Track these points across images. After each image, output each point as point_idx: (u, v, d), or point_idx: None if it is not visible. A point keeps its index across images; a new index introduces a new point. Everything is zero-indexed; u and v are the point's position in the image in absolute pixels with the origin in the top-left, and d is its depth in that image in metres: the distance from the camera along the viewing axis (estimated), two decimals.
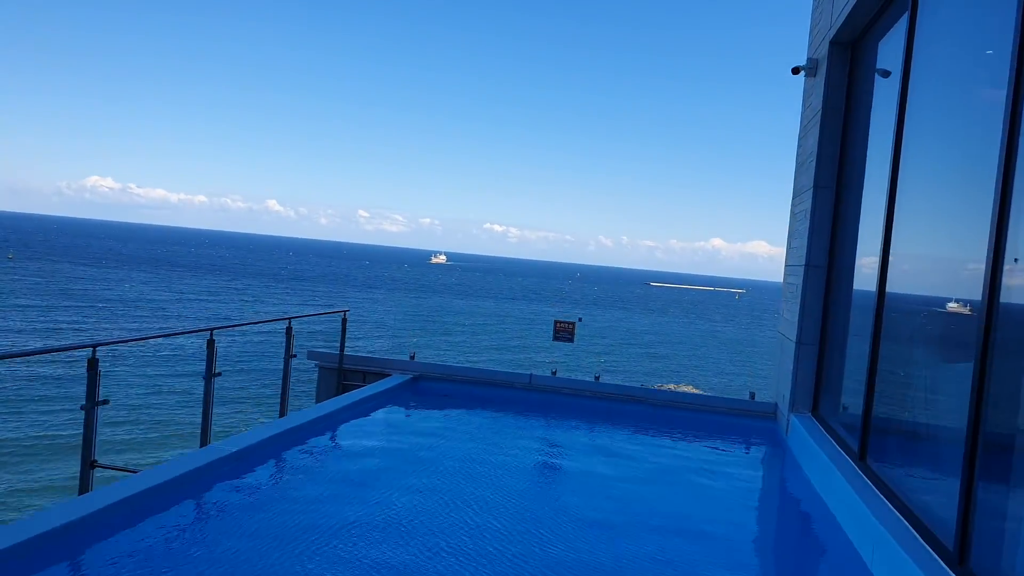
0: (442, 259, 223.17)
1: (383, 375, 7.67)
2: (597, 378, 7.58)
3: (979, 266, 3.18)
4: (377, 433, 6.02)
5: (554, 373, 7.66)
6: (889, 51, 5.53)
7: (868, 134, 5.96)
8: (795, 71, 6.93)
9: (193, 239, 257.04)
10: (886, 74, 5.91)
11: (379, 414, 6.54)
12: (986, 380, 3.03)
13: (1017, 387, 2.88)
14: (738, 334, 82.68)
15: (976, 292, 3.15)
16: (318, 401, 7.75)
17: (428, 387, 7.56)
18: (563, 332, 7.58)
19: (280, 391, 6.60)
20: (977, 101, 3.89)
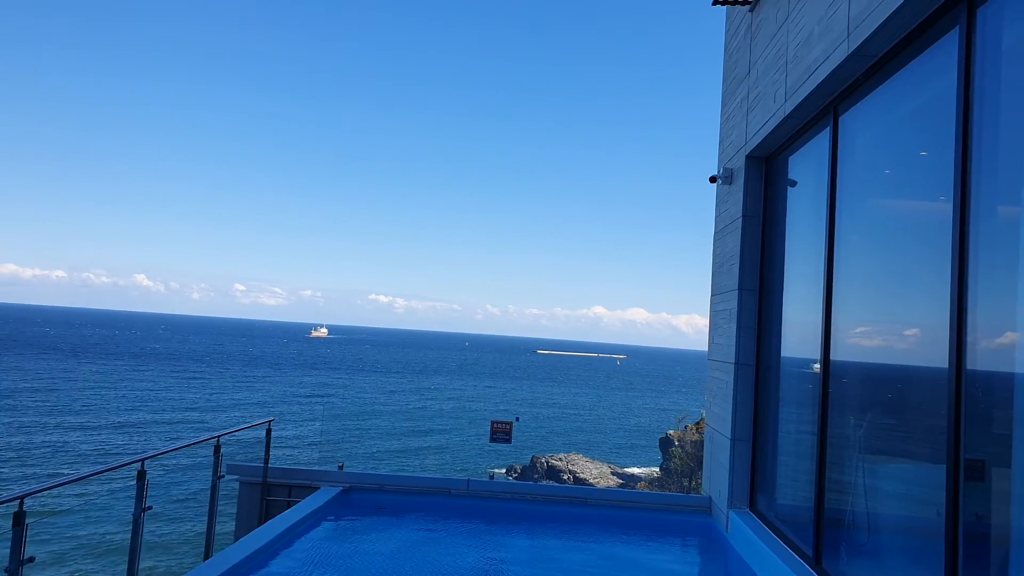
0: (323, 332, 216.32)
1: (311, 488, 7.24)
2: (536, 479, 7.49)
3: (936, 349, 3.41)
4: (315, 561, 5.63)
5: (491, 477, 7.51)
6: (805, 165, 6.04)
7: (785, 239, 6.41)
8: (712, 180, 7.39)
9: (50, 317, 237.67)
10: (793, 183, 6.45)
11: (314, 536, 6.14)
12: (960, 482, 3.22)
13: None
14: (625, 401, 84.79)
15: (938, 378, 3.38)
16: (239, 519, 7.19)
17: (360, 499, 7.20)
18: (500, 433, 7.49)
19: (208, 516, 6.05)
20: (894, 209, 4.33)
